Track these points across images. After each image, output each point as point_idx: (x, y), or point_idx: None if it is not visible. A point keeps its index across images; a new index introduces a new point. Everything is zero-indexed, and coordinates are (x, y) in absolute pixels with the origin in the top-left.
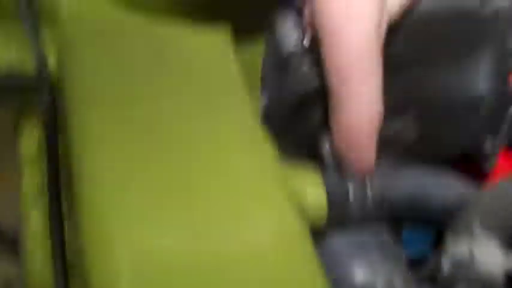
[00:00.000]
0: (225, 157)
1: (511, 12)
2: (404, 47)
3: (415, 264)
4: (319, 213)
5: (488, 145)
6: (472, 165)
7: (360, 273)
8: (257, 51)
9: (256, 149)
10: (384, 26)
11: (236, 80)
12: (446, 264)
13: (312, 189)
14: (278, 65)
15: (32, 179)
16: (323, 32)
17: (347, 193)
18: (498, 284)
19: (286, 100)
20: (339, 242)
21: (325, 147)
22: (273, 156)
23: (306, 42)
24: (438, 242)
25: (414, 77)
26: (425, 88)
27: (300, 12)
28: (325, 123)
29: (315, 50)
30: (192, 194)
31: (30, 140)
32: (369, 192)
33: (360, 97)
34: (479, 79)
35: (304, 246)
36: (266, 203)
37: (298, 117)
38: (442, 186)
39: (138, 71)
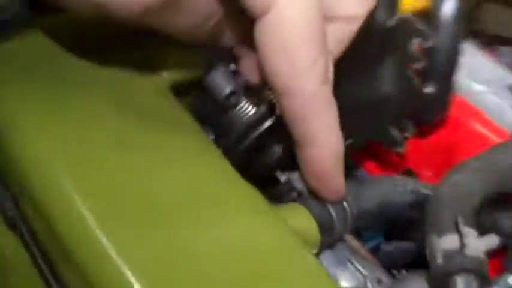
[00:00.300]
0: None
1: (410, 22)
2: None
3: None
4: (313, 240)
5: (397, 133)
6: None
7: (348, 280)
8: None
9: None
10: (331, 67)
11: (189, 119)
12: (438, 258)
13: (302, 221)
14: (216, 106)
15: None
16: (276, 90)
17: (331, 217)
18: (484, 267)
19: (238, 140)
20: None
21: (295, 179)
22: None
23: (241, 87)
24: (388, 233)
25: (337, 87)
26: (345, 95)
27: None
28: (283, 158)
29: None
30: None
31: None
32: (348, 211)
33: (326, 131)
34: (385, 81)
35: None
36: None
37: (254, 153)
38: (399, 189)
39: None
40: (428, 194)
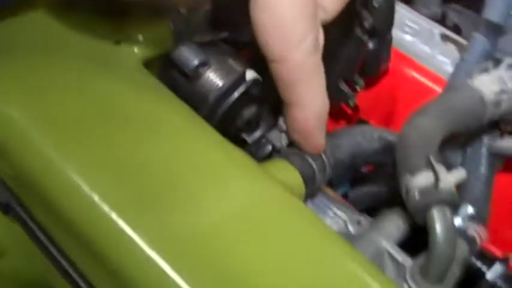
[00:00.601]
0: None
1: None
2: None
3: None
4: (298, 192)
5: (347, 88)
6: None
7: (331, 225)
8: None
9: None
10: (322, 37)
11: (167, 90)
12: (415, 195)
13: (288, 174)
14: (184, 80)
15: None
16: (268, 58)
17: (313, 169)
18: (455, 197)
19: (211, 110)
20: None
21: (274, 137)
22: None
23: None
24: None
25: None
26: None
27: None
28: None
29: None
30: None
31: None
32: (326, 161)
33: (312, 94)
34: (335, 41)
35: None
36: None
37: (225, 121)
38: (368, 137)
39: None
40: (392, 140)
